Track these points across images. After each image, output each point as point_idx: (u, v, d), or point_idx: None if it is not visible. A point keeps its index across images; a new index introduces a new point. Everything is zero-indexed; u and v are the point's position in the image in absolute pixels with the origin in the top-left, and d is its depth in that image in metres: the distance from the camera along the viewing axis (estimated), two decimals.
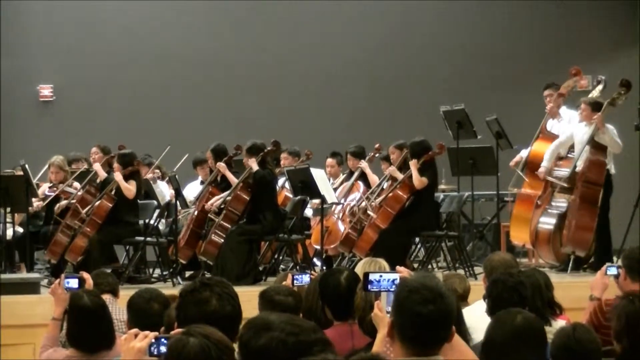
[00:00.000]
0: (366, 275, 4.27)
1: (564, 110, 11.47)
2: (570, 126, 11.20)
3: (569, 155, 11.11)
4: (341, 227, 11.56)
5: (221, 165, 11.26)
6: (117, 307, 6.37)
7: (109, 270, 8.18)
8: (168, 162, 12.81)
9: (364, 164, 11.84)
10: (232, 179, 11.19)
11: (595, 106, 10.82)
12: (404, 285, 3.60)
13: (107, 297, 6.31)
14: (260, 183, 10.96)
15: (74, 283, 5.90)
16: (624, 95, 10.92)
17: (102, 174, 11.31)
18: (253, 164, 10.96)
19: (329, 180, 11.91)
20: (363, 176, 11.91)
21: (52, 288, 5.98)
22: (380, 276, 4.26)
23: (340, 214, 11.64)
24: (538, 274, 5.62)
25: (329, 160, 12.35)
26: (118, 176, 11.05)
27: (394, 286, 4.19)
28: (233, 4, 15.82)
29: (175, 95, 15.61)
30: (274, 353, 3.25)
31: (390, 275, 4.26)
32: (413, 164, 10.76)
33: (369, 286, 4.26)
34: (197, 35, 15.75)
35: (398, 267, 4.52)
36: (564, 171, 11.08)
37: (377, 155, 12.04)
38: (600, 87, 11.36)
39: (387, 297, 4.23)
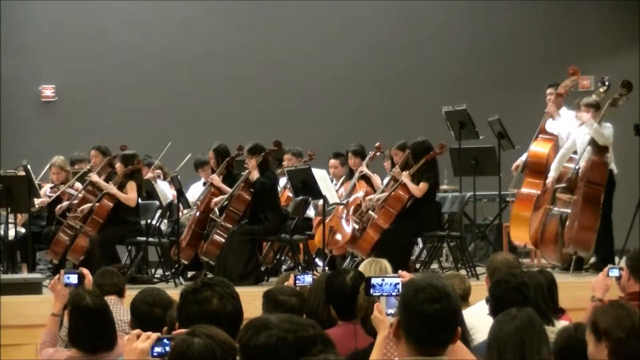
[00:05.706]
0: (368, 279, 4.27)
1: (564, 110, 11.45)
2: (569, 128, 11.17)
3: (571, 155, 11.10)
4: (346, 226, 11.54)
5: (214, 179, 11.25)
6: (122, 307, 6.32)
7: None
8: (169, 162, 12.80)
9: (364, 169, 11.79)
10: (226, 190, 11.17)
11: (597, 107, 10.84)
12: (410, 284, 3.60)
13: (112, 298, 6.27)
14: (261, 189, 10.96)
15: (73, 279, 5.90)
16: (625, 96, 10.97)
17: (104, 184, 11.25)
18: (254, 171, 10.95)
19: (332, 181, 11.90)
20: (366, 176, 11.89)
21: (52, 284, 5.98)
22: (383, 280, 4.25)
23: (345, 214, 11.61)
24: (543, 275, 5.61)
25: (332, 161, 12.30)
26: (113, 189, 11.03)
27: (396, 290, 4.19)
28: (235, 4, 15.82)
29: (177, 96, 15.59)
30: (274, 351, 3.26)
31: (393, 279, 4.26)
32: (405, 176, 10.75)
33: (371, 290, 4.25)
34: (199, 35, 15.74)
35: (400, 272, 4.52)
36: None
37: (378, 154, 12.03)
38: (603, 87, 11.36)
39: (387, 299, 4.22)
